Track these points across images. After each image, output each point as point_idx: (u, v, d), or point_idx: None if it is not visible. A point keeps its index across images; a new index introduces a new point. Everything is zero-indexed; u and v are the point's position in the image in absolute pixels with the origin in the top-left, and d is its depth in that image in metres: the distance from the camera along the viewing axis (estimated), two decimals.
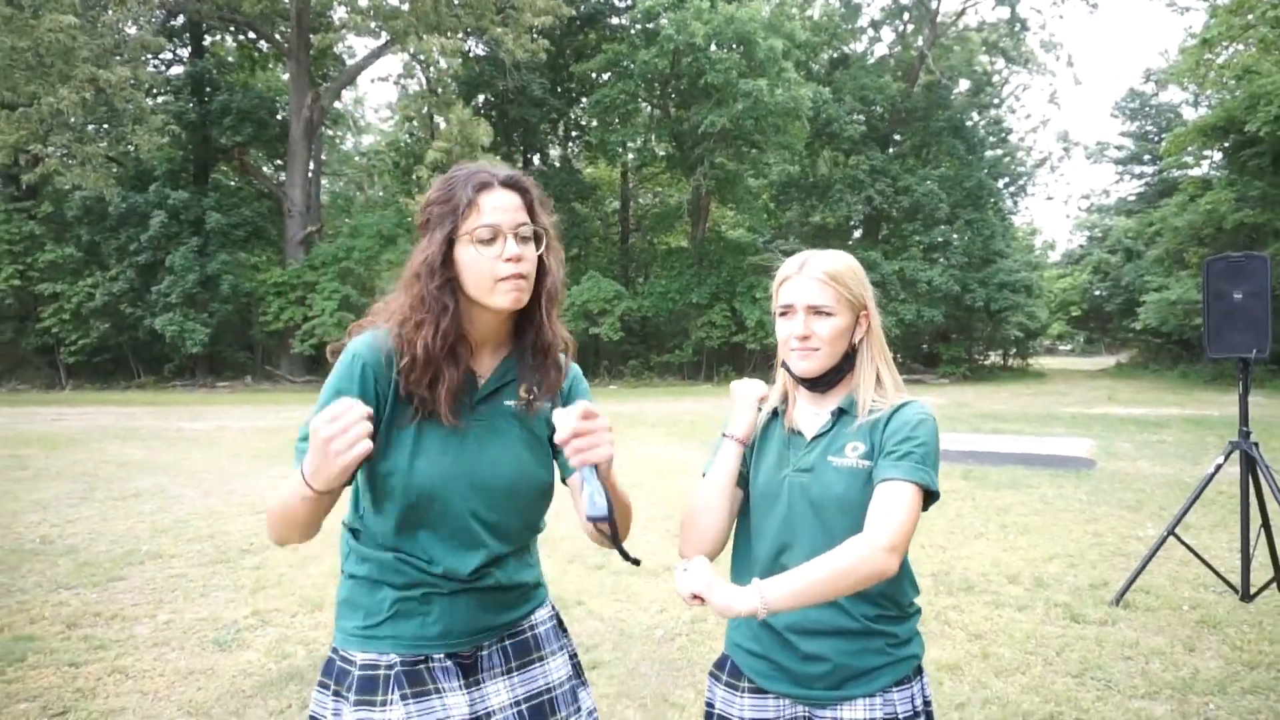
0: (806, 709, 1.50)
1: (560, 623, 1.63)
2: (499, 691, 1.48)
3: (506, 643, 1.51)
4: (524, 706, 1.48)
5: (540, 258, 1.43)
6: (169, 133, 24.20)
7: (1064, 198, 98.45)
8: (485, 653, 1.49)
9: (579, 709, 1.56)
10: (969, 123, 31.95)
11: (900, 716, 1.47)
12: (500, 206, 1.38)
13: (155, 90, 25.84)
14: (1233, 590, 4.54)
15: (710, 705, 1.62)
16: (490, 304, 1.39)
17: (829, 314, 1.49)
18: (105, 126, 24.99)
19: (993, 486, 7.91)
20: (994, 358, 35.86)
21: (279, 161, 29.83)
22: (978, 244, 29.89)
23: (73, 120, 21.21)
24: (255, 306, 26.54)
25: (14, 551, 5.69)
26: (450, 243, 1.39)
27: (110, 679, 3.57)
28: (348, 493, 1.46)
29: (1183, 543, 4.59)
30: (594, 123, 30.47)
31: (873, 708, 1.47)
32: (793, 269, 1.53)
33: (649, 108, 29.70)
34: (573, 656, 1.62)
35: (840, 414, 1.52)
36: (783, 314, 1.53)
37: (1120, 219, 37.39)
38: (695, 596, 1.27)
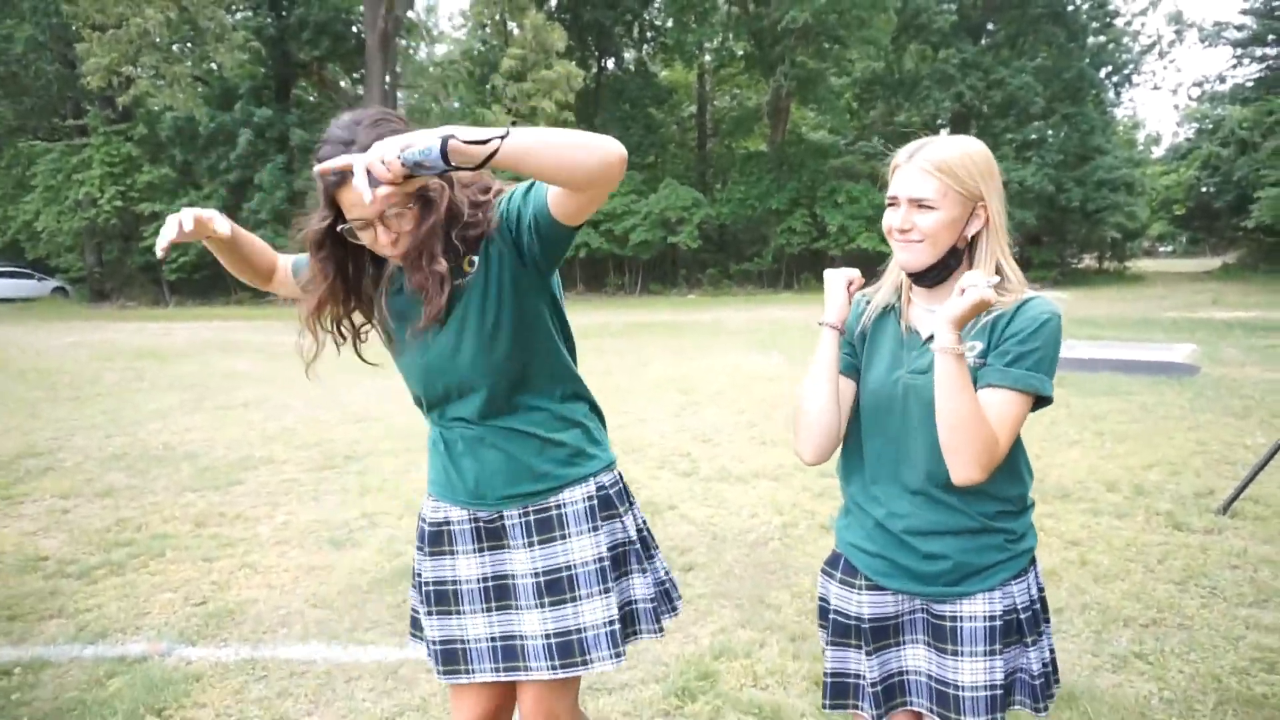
0: (925, 603, 1.52)
1: (598, 506, 1.64)
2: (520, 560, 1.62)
3: (531, 517, 1.61)
4: (543, 579, 1.60)
5: (423, 197, 1.41)
6: (249, 49, 24.47)
7: (1172, 86, 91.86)
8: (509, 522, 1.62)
9: (605, 590, 1.60)
10: (1070, 7, 29.64)
11: (1019, 607, 1.48)
12: (358, 202, 1.35)
13: (235, 6, 26.05)
14: None
15: (824, 601, 1.64)
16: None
17: (931, 207, 1.43)
18: (190, 45, 25.41)
19: (1088, 394, 7.68)
20: (1088, 261, 34.24)
21: (356, 75, 29.94)
22: (1075, 140, 28.22)
23: (159, 40, 21.65)
24: None
25: (142, 457, 6.12)
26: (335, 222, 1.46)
27: (240, 573, 3.85)
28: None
29: None
30: (669, 23, 29.52)
31: (992, 601, 1.47)
32: (903, 157, 1.47)
33: (726, 4, 28.57)
34: (616, 547, 1.64)
35: None
36: (890, 204, 1.49)
37: (1235, 108, 34.51)
38: None
